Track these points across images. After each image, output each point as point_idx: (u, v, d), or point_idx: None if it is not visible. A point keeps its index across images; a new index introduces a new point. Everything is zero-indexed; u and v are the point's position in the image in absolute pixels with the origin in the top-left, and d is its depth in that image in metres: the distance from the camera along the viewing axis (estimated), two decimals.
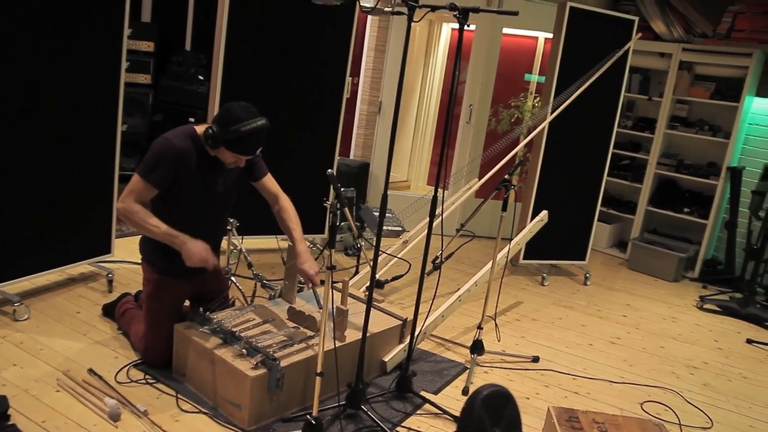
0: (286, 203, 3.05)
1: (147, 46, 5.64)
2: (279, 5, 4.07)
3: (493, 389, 2.51)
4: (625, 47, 4.71)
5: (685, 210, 5.80)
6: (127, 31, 3.53)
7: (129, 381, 2.76)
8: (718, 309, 4.95)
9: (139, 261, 2.97)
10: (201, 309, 2.87)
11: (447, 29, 6.60)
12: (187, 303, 3.10)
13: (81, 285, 3.71)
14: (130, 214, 2.67)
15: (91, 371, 2.77)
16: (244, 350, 2.59)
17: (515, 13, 2.59)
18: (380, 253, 2.71)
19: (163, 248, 2.77)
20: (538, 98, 5.87)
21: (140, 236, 2.95)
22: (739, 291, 5.23)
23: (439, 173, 2.69)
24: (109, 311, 3.32)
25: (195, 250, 2.70)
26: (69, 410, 2.49)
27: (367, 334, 2.68)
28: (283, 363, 2.57)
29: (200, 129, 2.79)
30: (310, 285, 2.92)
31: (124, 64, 3.57)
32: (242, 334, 2.68)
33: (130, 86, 5.30)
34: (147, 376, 2.81)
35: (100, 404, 2.53)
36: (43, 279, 3.62)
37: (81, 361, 2.86)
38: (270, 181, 3.07)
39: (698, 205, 5.76)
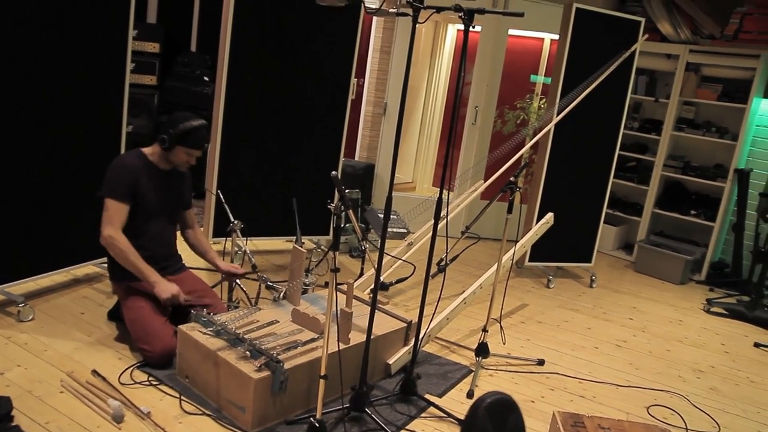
0: (199, 229, 3.49)
1: (152, 47, 5.64)
2: (284, 6, 4.07)
3: (497, 397, 2.48)
4: (632, 49, 4.69)
5: (692, 212, 5.77)
6: (132, 32, 3.53)
7: (133, 382, 2.76)
8: (725, 312, 4.91)
9: None
10: (205, 311, 2.88)
11: (453, 30, 6.58)
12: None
13: (86, 286, 3.72)
14: (114, 243, 2.97)
15: (94, 372, 2.77)
16: (248, 352, 2.59)
17: (521, 15, 2.57)
18: (385, 255, 2.70)
19: None
20: (544, 100, 5.85)
21: (107, 260, 3.18)
22: (746, 294, 5.20)
23: (444, 175, 2.67)
24: (114, 314, 3.32)
25: (166, 287, 2.97)
26: (73, 411, 2.49)
27: (372, 337, 2.67)
28: (287, 365, 2.56)
29: (147, 149, 3.15)
30: (236, 278, 3.35)
31: (130, 66, 3.57)
32: (246, 336, 2.67)
33: (136, 87, 5.29)
34: (150, 378, 2.81)
35: (103, 405, 2.53)
36: (47, 280, 3.63)
37: (85, 362, 2.86)
38: (192, 211, 3.46)
39: (705, 208, 5.73)
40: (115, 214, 2.98)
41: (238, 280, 3.46)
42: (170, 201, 3.24)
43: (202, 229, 3.72)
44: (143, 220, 3.09)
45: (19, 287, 3.39)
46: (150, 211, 3.11)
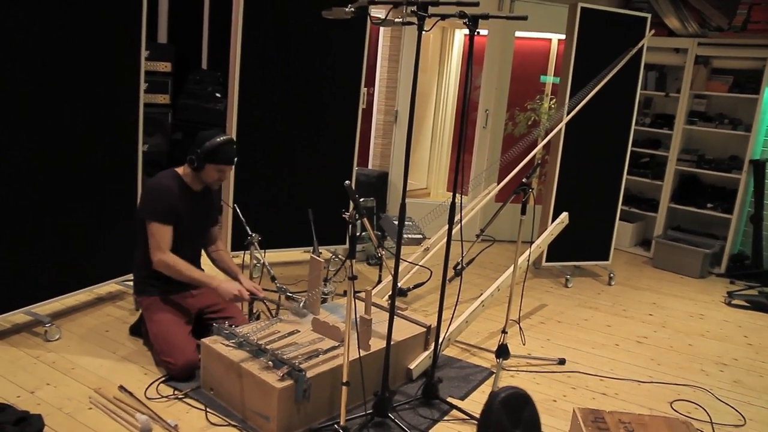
0: (222, 245, 3.50)
1: (164, 66, 5.72)
2: (292, 20, 4.12)
3: (511, 391, 2.51)
4: (639, 45, 4.69)
5: (709, 205, 5.74)
6: (144, 53, 3.60)
7: (159, 396, 2.81)
8: (746, 304, 4.88)
9: None
10: (227, 323, 2.92)
11: (460, 35, 6.62)
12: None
13: (109, 304, 3.78)
14: (167, 266, 3.03)
15: (121, 388, 2.82)
16: (270, 362, 2.62)
17: (524, 18, 2.60)
18: (401, 261, 2.73)
19: (155, 276, 3.11)
20: (554, 100, 5.85)
21: (133, 275, 3.31)
22: (767, 285, 5.15)
23: (456, 179, 2.70)
24: (136, 330, 3.38)
25: (229, 287, 3.06)
26: (102, 427, 2.54)
27: (392, 342, 2.69)
28: (309, 374, 2.59)
29: (180, 169, 3.17)
30: (256, 299, 3.28)
31: (143, 85, 3.64)
32: (268, 347, 2.71)
33: (149, 107, 5.37)
34: (176, 392, 2.86)
35: (131, 420, 2.57)
36: (72, 299, 3.70)
37: (112, 379, 2.92)
38: (216, 228, 3.49)
39: (722, 200, 5.69)
40: (162, 238, 3.02)
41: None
42: (201, 222, 3.30)
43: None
44: (174, 241, 3.10)
45: (45, 308, 3.46)
46: (182, 234, 3.14)
